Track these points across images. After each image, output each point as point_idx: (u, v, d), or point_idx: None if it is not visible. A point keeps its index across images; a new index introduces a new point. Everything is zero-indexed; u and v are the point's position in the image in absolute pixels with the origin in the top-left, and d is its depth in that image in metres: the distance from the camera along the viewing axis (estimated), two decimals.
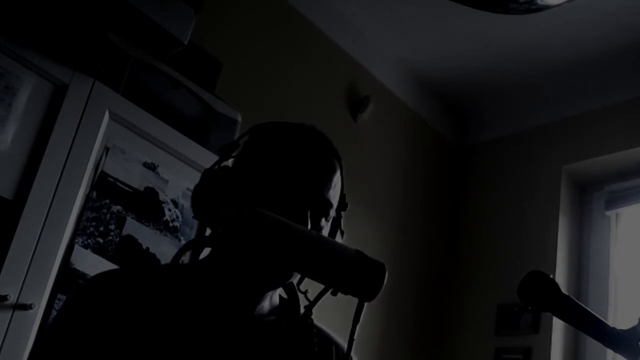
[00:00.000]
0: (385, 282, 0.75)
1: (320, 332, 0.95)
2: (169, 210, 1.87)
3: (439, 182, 3.35)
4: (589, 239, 2.96)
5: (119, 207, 1.75)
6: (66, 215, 1.62)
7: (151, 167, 1.85)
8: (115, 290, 0.84)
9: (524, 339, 2.76)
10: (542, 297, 0.92)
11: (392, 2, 2.78)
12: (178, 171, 1.91)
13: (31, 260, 1.53)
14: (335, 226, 0.95)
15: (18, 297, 1.50)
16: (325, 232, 0.90)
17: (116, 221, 1.74)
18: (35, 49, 1.65)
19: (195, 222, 1.91)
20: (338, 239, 0.95)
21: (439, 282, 3.20)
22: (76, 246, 1.64)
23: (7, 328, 1.47)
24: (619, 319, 2.73)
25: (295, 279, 0.92)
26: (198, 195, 0.88)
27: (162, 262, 1.81)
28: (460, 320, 3.07)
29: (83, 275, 1.63)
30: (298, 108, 2.68)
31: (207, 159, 1.87)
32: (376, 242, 2.91)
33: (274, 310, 0.93)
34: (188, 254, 1.68)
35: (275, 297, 0.93)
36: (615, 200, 2.89)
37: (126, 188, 1.78)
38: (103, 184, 1.73)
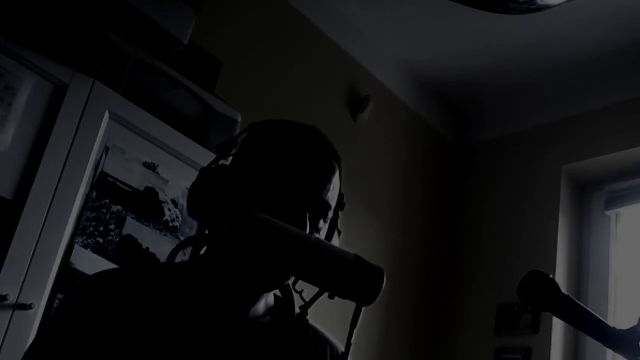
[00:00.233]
0: (383, 287, 0.75)
1: (315, 332, 0.95)
2: (169, 210, 1.87)
3: (439, 182, 3.35)
4: (589, 239, 2.96)
5: (119, 207, 1.75)
6: (66, 215, 1.62)
7: (151, 167, 1.85)
8: (113, 289, 0.83)
9: (524, 339, 2.76)
10: (542, 297, 0.92)
11: (392, 2, 2.78)
12: (178, 171, 1.91)
13: (31, 260, 1.53)
14: (333, 226, 0.94)
15: (18, 297, 1.50)
16: (323, 233, 0.89)
17: (116, 221, 1.74)
18: (35, 49, 1.65)
19: (195, 222, 1.91)
20: (335, 239, 0.95)
21: (439, 282, 3.20)
22: (76, 246, 1.64)
23: (7, 328, 1.48)
24: (619, 319, 2.73)
25: (291, 280, 0.92)
26: (195, 193, 0.87)
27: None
28: (460, 320, 3.07)
29: (83, 275, 1.63)
30: (298, 108, 2.68)
31: (207, 159, 1.85)
32: (376, 242, 2.91)
33: (269, 310, 0.92)
34: (188, 250, 1.69)
35: (270, 297, 0.93)
36: (615, 200, 2.89)
37: (126, 188, 1.78)
38: (103, 184, 1.73)
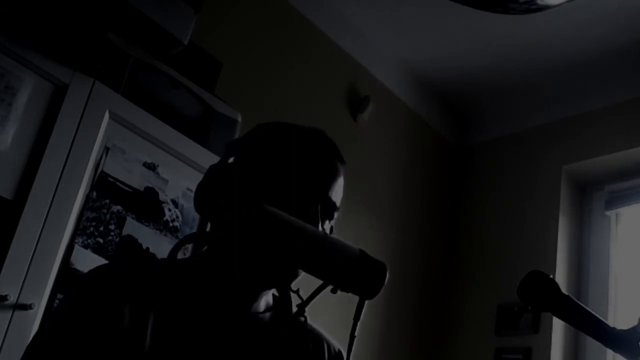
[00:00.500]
0: (386, 281, 0.77)
1: (312, 330, 0.96)
2: (169, 210, 1.87)
3: (439, 182, 3.35)
4: (589, 239, 2.96)
5: (119, 207, 1.75)
6: (66, 215, 1.62)
7: (151, 167, 1.85)
8: (115, 287, 0.83)
9: (524, 339, 2.76)
10: (542, 297, 0.92)
11: (392, 2, 2.78)
12: (178, 171, 1.91)
13: (31, 260, 1.53)
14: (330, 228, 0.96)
15: (18, 297, 1.50)
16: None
17: (116, 221, 1.74)
18: (35, 49, 1.64)
19: (195, 223, 1.92)
20: None
21: (439, 282, 3.20)
22: (76, 246, 1.64)
23: (7, 328, 1.47)
24: (619, 319, 2.73)
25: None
26: (202, 191, 0.88)
27: None
28: (460, 320, 3.07)
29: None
30: (298, 108, 2.68)
31: (207, 159, 1.87)
32: (376, 242, 2.91)
33: (269, 308, 0.94)
34: (189, 248, 1.69)
35: (269, 295, 0.95)
36: (615, 200, 2.89)
37: (126, 188, 1.78)
38: (103, 184, 1.73)
